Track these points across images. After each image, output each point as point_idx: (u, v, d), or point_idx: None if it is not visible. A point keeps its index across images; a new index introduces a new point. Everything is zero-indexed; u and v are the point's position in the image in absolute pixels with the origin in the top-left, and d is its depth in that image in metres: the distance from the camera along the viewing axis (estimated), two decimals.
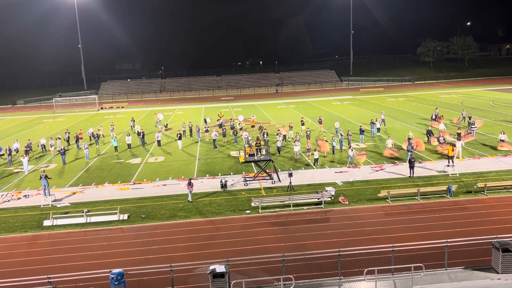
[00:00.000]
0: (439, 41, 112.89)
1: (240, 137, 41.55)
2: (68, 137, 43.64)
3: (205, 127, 43.62)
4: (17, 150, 38.68)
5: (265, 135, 38.60)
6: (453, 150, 29.63)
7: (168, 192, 27.15)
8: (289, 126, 41.84)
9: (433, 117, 44.62)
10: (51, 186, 28.50)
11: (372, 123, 41.40)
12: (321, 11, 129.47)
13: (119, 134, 46.60)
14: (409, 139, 35.46)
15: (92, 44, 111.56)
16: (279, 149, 35.30)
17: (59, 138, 42.95)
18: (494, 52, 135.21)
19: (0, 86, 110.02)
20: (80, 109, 79.81)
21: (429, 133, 37.17)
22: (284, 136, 39.31)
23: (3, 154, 37.72)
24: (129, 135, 40.54)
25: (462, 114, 45.36)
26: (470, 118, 41.41)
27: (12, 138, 48.83)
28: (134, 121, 52.71)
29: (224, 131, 42.30)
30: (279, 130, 41.00)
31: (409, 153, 30.36)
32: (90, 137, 45.29)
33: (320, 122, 44.78)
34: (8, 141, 45.65)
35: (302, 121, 44.32)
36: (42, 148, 40.53)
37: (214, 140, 39.28)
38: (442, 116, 45.54)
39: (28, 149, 37.86)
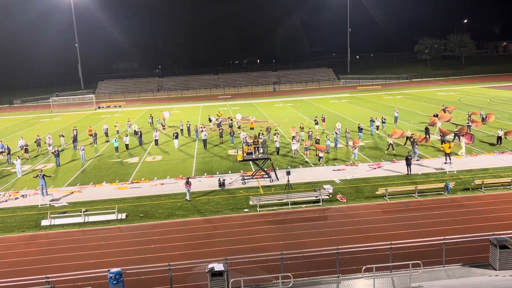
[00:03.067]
0: (436, 38, 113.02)
1: (238, 138, 41.44)
2: (76, 135, 42.72)
3: (202, 127, 43.15)
4: (21, 147, 38.75)
5: (261, 135, 38.35)
6: (449, 148, 29.72)
7: (166, 191, 27.13)
8: (300, 127, 40.40)
9: (435, 114, 44.46)
10: (49, 186, 28.44)
11: (372, 121, 41.39)
12: (318, 9, 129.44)
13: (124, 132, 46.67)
14: (407, 138, 35.63)
15: (89, 43, 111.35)
16: (277, 149, 35.22)
17: (63, 136, 43.16)
18: (491, 50, 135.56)
19: None
20: (77, 108, 79.62)
21: (427, 131, 37.25)
22: (293, 137, 36.72)
23: (3, 152, 37.62)
24: (126, 136, 40.45)
25: (481, 113, 44.56)
26: (469, 116, 41.37)
27: (9, 138, 48.79)
28: (152, 118, 53.81)
29: (221, 131, 41.94)
30: (276, 130, 40.90)
31: (414, 149, 30.79)
32: (105, 133, 45.86)
33: (323, 120, 44.60)
34: (5, 141, 45.53)
35: (315, 120, 44.02)
36: (48, 146, 40.44)
37: (204, 140, 39.03)
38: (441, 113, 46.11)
39: (33, 145, 37.99)
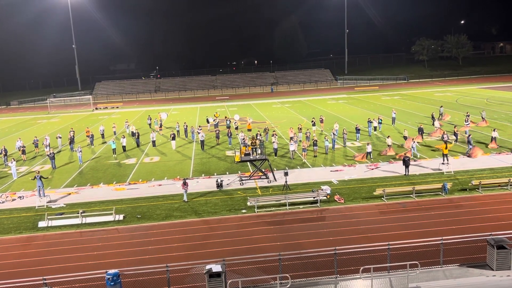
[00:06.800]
0: (433, 39, 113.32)
1: (235, 139, 41.39)
2: (73, 136, 42.41)
3: (198, 128, 43.02)
4: (19, 148, 38.59)
5: (259, 136, 38.19)
6: (446, 148, 29.81)
7: (164, 192, 27.10)
8: (298, 128, 40.39)
9: (433, 116, 44.52)
10: (46, 187, 28.38)
11: (369, 122, 41.42)
12: (315, 10, 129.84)
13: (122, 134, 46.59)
14: (404, 137, 35.76)
15: (86, 44, 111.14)
16: (275, 151, 35.16)
17: (60, 137, 43.07)
18: (488, 50, 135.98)
19: None
20: (74, 109, 79.48)
21: (421, 131, 37.48)
22: (291, 138, 36.43)
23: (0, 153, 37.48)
24: (124, 137, 40.31)
25: (482, 114, 44.34)
26: (468, 116, 41.48)
27: (6, 139, 48.69)
28: (151, 119, 53.52)
29: (217, 132, 41.67)
30: (274, 131, 40.88)
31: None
32: (101, 135, 45.65)
33: (322, 121, 44.62)
34: (2, 142, 45.43)
35: (313, 121, 43.92)
36: (46, 147, 40.24)
37: (202, 141, 38.90)
38: (448, 115, 46.84)
39: (30, 146, 37.80)
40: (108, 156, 37.93)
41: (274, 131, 41.23)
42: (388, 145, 33.77)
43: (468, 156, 31.32)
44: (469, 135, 33.27)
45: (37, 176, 26.62)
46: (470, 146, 32.22)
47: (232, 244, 19.53)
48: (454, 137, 35.89)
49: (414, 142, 32.74)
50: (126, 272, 15.74)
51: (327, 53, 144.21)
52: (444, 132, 36.23)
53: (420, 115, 50.25)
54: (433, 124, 42.13)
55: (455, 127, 37.52)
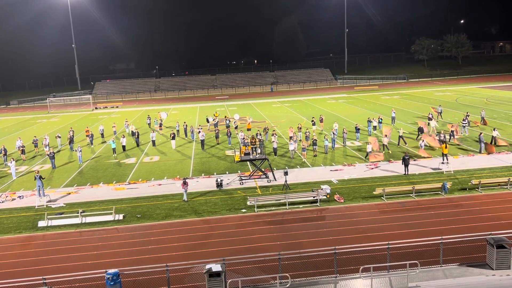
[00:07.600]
0: (433, 39, 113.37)
1: (235, 138, 41.37)
2: (72, 136, 42.38)
3: (198, 128, 43.02)
4: (19, 148, 38.58)
5: (259, 135, 38.10)
6: (446, 148, 29.79)
7: (163, 192, 27.09)
8: (298, 127, 40.35)
9: (430, 115, 44.49)
10: (46, 187, 28.38)
11: (369, 121, 41.42)
12: (315, 10, 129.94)
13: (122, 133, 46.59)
14: (400, 137, 35.81)
15: (86, 44, 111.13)
16: (275, 150, 35.15)
17: (59, 137, 43.04)
18: (487, 50, 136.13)
19: None
20: (74, 109, 79.45)
21: (420, 130, 37.49)
22: (291, 137, 36.52)
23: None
24: (124, 137, 40.26)
25: (481, 114, 44.12)
26: (467, 116, 41.47)
27: (5, 139, 48.64)
28: (150, 119, 53.44)
29: (217, 132, 41.64)
30: (274, 130, 40.89)
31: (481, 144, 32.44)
32: (101, 134, 45.65)
33: (321, 121, 44.62)
34: (2, 142, 45.41)
35: (312, 121, 44.02)
36: (45, 147, 40.19)
37: (202, 140, 38.92)
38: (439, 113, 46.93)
39: (30, 146, 37.77)
40: (108, 155, 37.92)
41: (273, 130, 41.24)
42: (384, 145, 33.83)
43: (489, 154, 31.48)
44: (481, 134, 33.26)
45: (37, 176, 26.60)
46: (482, 145, 32.27)
47: (232, 243, 19.54)
48: (448, 137, 35.84)
49: (423, 141, 32.83)
50: (126, 272, 15.73)
51: (326, 52, 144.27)
52: (442, 132, 36.27)
53: (420, 115, 50.23)
54: (428, 124, 42.07)
55: (452, 126, 37.54)
